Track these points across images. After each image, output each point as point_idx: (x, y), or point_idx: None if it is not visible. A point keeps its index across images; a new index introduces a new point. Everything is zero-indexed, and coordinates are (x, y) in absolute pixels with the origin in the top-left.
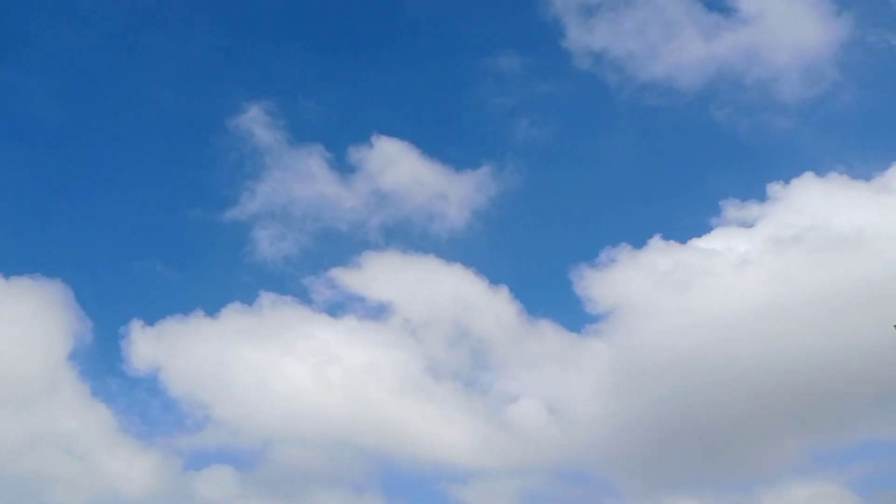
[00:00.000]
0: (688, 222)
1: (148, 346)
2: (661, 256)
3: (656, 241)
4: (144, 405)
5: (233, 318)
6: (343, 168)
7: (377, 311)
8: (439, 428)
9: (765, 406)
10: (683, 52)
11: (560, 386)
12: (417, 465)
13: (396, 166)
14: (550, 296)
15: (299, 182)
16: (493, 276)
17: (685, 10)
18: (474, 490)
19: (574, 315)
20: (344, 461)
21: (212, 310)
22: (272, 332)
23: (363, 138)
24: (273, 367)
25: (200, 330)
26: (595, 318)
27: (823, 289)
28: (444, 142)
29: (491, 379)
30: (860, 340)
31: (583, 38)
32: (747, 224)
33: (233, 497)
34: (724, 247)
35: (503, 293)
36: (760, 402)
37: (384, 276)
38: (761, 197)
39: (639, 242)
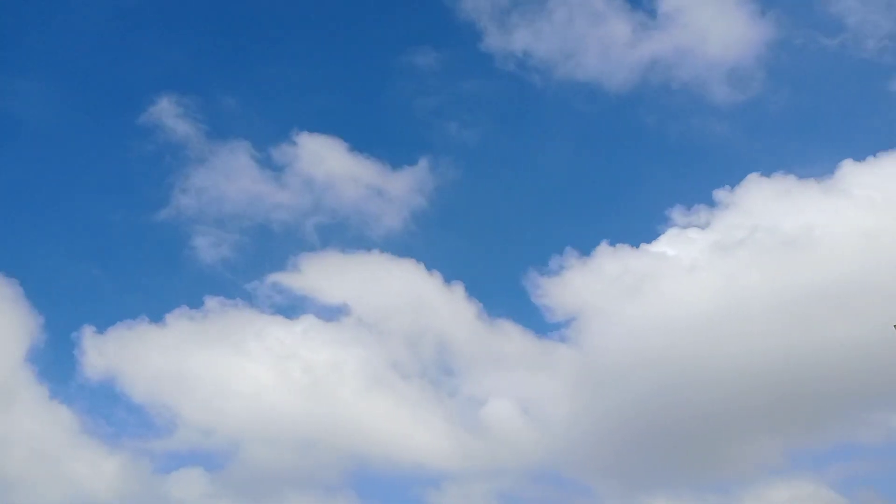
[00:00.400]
0: (634, 227)
1: (102, 352)
2: (611, 262)
3: (604, 247)
4: (106, 409)
5: (181, 323)
6: (271, 165)
7: (332, 312)
8: (409, 428)
9: (736, 407)
10: (608, 54)
11: (529, 388)
12: (390, 467)
13: (326, 163)
14: (506, 298)
15: (228, 180)
16: (447, 274)
17: (607, 11)
18: (447, 492)
19: (534, 318)
20: (315, 462)
21: (157, 315)
22: (228, 336)
23: (286, 135)
24: (235, 369)
25: (154, 335)
26: (556, 324)
27: (779, 289)
28: (372, 139)
29: (458, 379)
30: (820, 340)
31: (503, 38)
32: (697, 227)
33: (204, 498)
34: (675, 250)
35: (459, 291)
36: (731, 404)
37: (333, 275)
38: (708, 200)
39: (586, 248)
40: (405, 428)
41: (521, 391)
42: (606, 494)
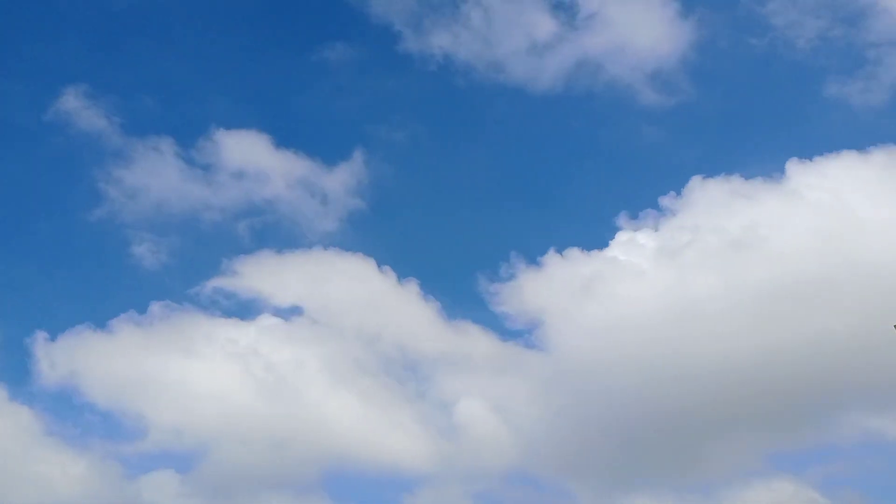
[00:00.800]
0: (581, 233)
1: (57, 357)
2: (563, 267)
3: (552, 253)
4: (69, 413)
5: (130, 328)
6: (198, 163)
7: (285, 312)
8: (381, 429)
9: (709, 408)
10: (530, 58)
11: (498, 390)
12: (363, 468)
13: (256, 160)
14: (462, 299)
15: (156, 179)
16: (399, 272)
17: (527, 14)
18: (422, 494)
19: (494, 321)
20: (287, 462)
21: (103, 322)
22: (183, 340)
23: (206, 132)
24: (197, 372)
25: (105, 341)
26: (518, 327)
27: (734, 289)
28: (297, 136)
29: (425, 380)
30: (778, 340)
31: (419, 41)
32: (646, 230)
33: (175, 499)
34: (626, 255)
35: (413, 289)
36: (703, 404)
37: (280, 275)
38: (654, 204)
39: (534, 253)
40: (376, 428)
41: (491, 393)
42: (584, 495)
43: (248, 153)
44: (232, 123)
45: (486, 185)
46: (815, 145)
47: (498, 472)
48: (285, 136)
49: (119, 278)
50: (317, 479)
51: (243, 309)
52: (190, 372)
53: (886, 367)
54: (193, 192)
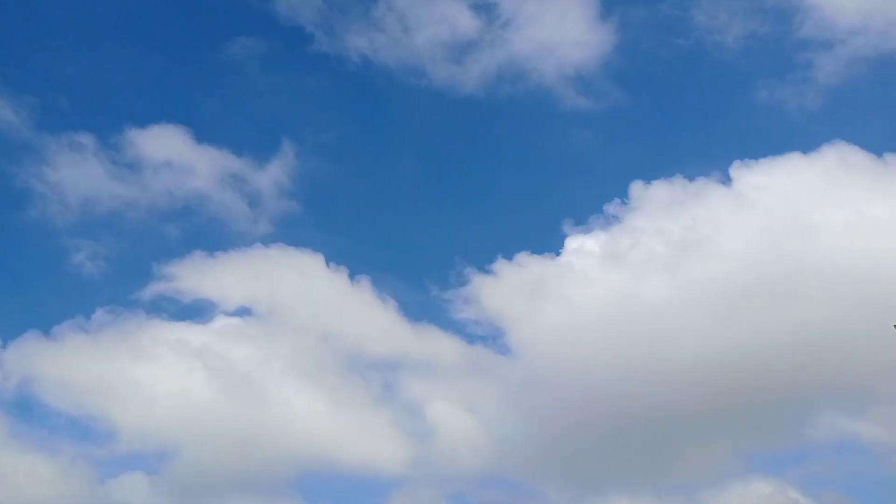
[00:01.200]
0: (530, 238)
1: (11, 364)
2: (515, 272)
3: (502, 260)
4: (33, 418)
5: (78, 335)
6: (119, 161)
7: (241, 311)
8: (349, 430)
9: (678, 408)
10: (452, 61)
11: (466, 393)
12: (335, 469)
13: (178, 155)
14: (418, 301)
15: (80, 178)
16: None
17: (444, 17)
18: (394, 497)
19: (454, 325)
20: (256, 463)
21: (48, 327)
22: (139, 344)
23: (121, 129)
24: (158, 376)
25: (57, 348)
26: (480, 332)
27: (686, 290)
28: (220, 132)
29: (391, 380)
30: (731, 340)
31: (333, 43)
32: (593, 235)
33: (145, 502)
34: (576, 260)
35: (367, 286)
36: (673, 405)
37: (226, 275)
38: (598, 209)
39: (483, 258)
40: (346, 430)
41: (460, 396)
42: (559, 497)
43: (169, 148)
44: (148, 119)
45: (423, 188)
46: (755, 147)
47: (472, 474)
48: (207, 132)
49: (58, 284)
50: (288, 480)
51: (194, 311)
52: (150, 375)
53: (853, 368)
54: (120, 190)
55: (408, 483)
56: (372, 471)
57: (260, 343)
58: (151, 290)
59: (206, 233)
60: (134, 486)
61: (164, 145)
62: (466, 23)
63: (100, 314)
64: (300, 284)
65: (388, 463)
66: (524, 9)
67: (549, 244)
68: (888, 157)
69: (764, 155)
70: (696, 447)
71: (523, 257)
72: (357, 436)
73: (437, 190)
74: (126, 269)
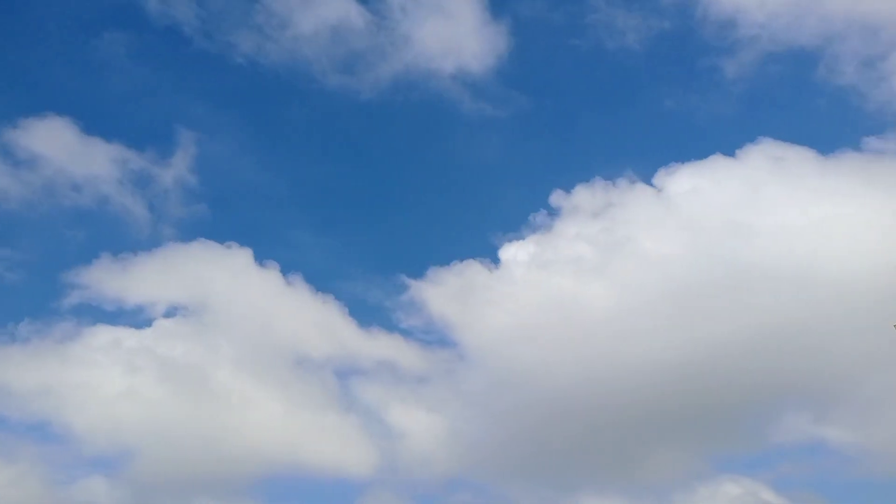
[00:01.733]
0: (462, 246)
1: None
2: (454, 279)
3: (434, 269)
4: None
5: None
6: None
7: (173, 311)
8: (310, 432)
9: (641, 411)
10: (346, 67)
11: (429, 397)
12: (295, 471)
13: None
14: (361, 303)
15: None
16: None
17: (338, 21)
18: (359, 501)
19: (400, 329)
20: (215, 465)
21: None
22: (73, 350)
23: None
24: (108, 381)
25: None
26: (429, 337)
27: (625, 294)
28: (111, 128)
29: (347, 382)
30: (675, 345)
31: (218, 45)
32: (522, 242)
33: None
34: (510, 267)
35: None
36: (635, 406)
37: (162, 273)
38: (523, 216)
39: (417, 265)
40: (307, 432)
41: (419, 399)
42: (527, 500)
43: (54, 142)
44: (32, 112)
45: (336, 191)
46: (672, 151)
47: (438, 478)
48: (96, 126)
49: None
50: (251, 482)
51: (124, 314)
52: (96, 379)
53: (813, 371)
54: (20, 193)
55: (374, 486)
56: (338, 474)
57: (201, 342)
58: (74, 298)
59: (110, 235)
60: (94, 488)
61: (52, 138)
62: (354, 28)
63: (24, 326)
64: (231, 283)
65: (354, 466)
66: (415, 14)
67: (481, 252)
68: (821, 149)
69: (684, 159)
70: (664, 449)
71: (458, 265)
72: (319, 438)
73: (354, 192)
74: (45, 277)
